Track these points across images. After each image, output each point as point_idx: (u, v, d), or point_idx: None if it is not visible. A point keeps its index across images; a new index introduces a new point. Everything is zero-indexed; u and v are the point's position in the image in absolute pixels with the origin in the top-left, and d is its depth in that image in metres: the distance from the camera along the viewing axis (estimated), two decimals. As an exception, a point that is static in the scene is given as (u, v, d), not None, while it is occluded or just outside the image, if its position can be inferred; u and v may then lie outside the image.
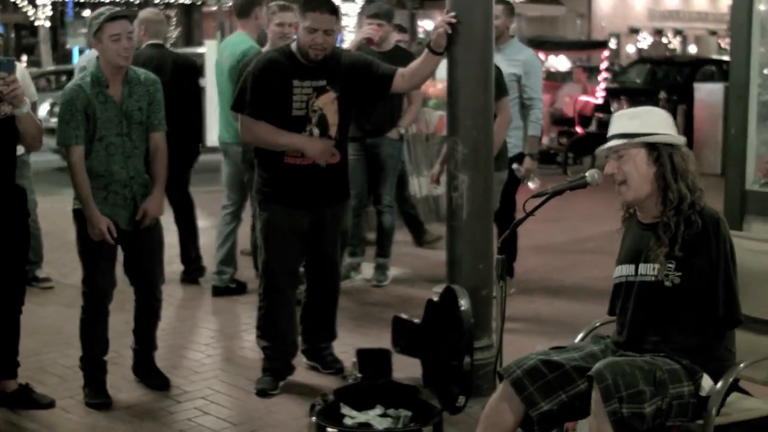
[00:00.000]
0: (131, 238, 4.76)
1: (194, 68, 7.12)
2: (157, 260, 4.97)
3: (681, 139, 3.40)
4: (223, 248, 6.84)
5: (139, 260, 4.86)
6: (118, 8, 4.66)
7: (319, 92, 4.73)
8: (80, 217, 4.68)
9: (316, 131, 4.75)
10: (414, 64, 4.81)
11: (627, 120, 3.45)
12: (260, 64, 4.80)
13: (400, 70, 4.82)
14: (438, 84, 7.84)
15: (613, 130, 3.45)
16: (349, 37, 16.19)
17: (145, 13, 6.90)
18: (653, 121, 3.41)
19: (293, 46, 4.79)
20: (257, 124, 4.75)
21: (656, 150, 3.35)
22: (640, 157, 3.36)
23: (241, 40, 6.60)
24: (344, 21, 17.01)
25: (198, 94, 7.11)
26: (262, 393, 4.93)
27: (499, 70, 5.81)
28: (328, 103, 4.75)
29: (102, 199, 4.64)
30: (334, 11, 4.72)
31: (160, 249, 4.98)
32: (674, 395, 3.18)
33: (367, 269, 7.29)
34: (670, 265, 3.30)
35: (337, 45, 4.99)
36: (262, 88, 4.71)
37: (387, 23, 6.68)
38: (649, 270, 3.35)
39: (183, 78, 6.78)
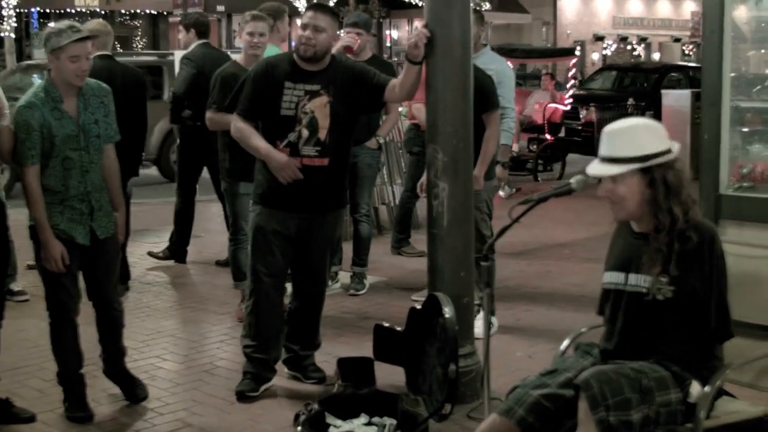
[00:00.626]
0: (88, 252, 4.67)
1: (142, 80, 7.11)
2: (112, 273, 4.88)
3: (674, 147, 3.36)
4: None
5: (96, 274, 4.79)
6: (77, 25, 4.56)
7: (311, 96, 4.79)
8: (37, 234, 4.57)
9: (305, 132, 4.79)
10: (401, 76, 4.85)
11: (617, 141, 3.34)
12: (258, 67, 4.93)
13: (393, 81, 4.87)
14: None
15: (603, 151, 3.37)
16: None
17: (92, 25, 6.84)
18: (644, 139, 3.34)
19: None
20: (242, 123, 4.86)
21: (650, 173, 3.30)
22: (634, 182, 3.31)
23: (269, 51, 6.53)
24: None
25: (144, 105, 7.09)
26: (241, 395, 4.92)
27: (492, 81, 5.84)
28: (320, 107, 4.80)
29: (58, 213, 4.54)
30: (329, 12, 4.83)
31: (116, 262, 4.92)
32: (661, 403, 3.19)
33: (344, 278, 7.29)
34: (662, 279, 3.28)
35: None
36: (255, 89, 4.83)
37: (365, 32, 6.69)
38: (640, 281, 3.34)
39: (131, 89, 6.77)
